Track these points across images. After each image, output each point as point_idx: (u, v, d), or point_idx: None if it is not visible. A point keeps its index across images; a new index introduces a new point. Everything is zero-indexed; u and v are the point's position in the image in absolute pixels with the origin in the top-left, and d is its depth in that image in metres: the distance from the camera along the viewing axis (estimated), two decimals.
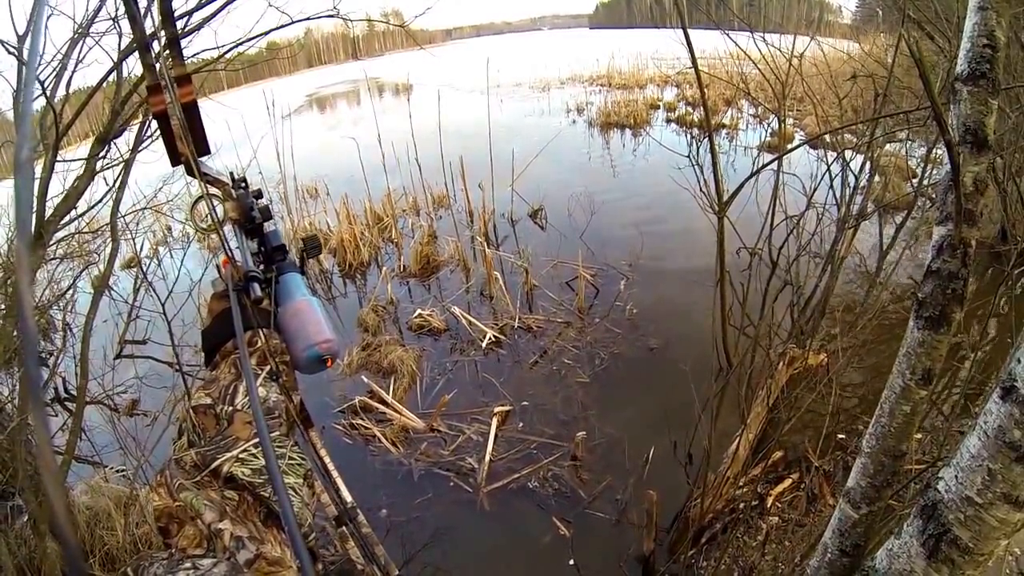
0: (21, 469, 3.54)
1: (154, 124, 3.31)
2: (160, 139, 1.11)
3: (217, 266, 1.24)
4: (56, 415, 5.71)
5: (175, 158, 1.12)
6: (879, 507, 2.24)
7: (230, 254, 1.18)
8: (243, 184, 1.32)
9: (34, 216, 3.52)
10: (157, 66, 1.05)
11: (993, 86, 1.84)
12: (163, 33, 1.12)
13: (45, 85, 3.54)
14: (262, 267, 1.25)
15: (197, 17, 3.69)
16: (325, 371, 1.19)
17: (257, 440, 0.94)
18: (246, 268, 1.14)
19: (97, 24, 3.65)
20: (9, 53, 3.44)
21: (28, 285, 0.56)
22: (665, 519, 4.18)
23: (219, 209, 1.22)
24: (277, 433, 1.00)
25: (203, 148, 1.14)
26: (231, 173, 1.32)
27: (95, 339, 4.40)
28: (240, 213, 1.26)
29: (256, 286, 1.11)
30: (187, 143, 1.10)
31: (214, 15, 3.71)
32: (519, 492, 4.70)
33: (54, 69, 3.63)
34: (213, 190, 1.24)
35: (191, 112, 1.09)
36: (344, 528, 1.56)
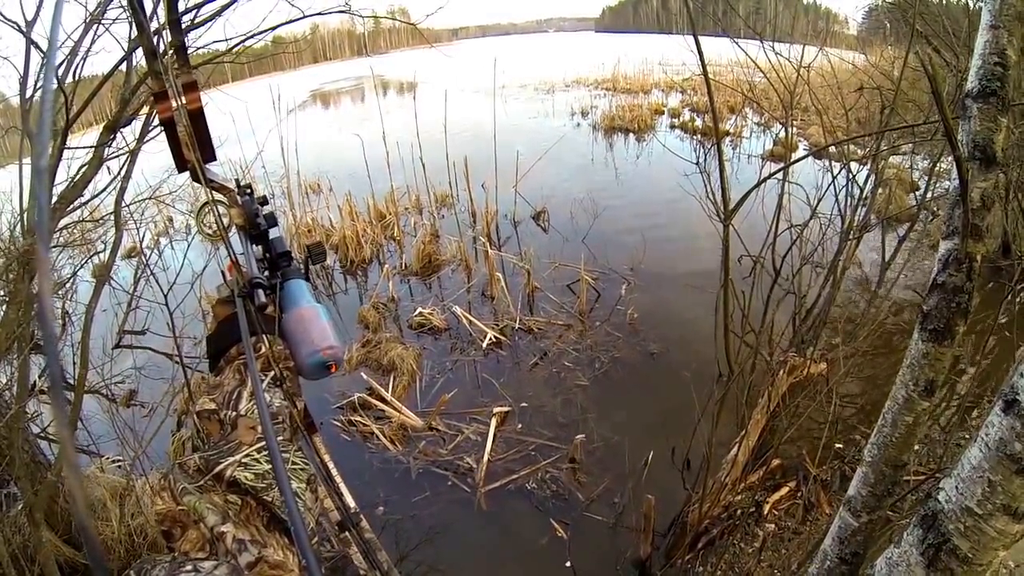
0: (18, 457, 3.53)
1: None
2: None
3: (223, 271, 1.24)
4: None
5: (182, 164, 1.12)
6: (879, 516, 2.26)
7: (235, 260, 1.18)
8: (248, 190, 1.32)
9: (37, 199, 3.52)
10: (164, 70, 1.06)
11: (1003, 103, 1.85)
12: (170, 40, 1.12)
13: (56, 69, 3.55)
14: (267, 273, 1.26)
15: (207, 10, 3.70)
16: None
17: (260, 445, 0.95)
18: (251, 274, 1.14)
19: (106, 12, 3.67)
20: (21, 33, 3.44)
21: (48, 287, 0.57)
22: (662, 524, 4.19)
23: (224, 215, 1.23)
24: (281, 438, 1.01)
25: (209, 155, 1.14)
26: (236, 180, 1.32)
27: (94, 328, 4.39)
28: (245, 219, 1.27)
29: (260, 292, 1.11)
30: (193, 150, 1.10)
31: (223, 10, 3.72)
32: (517, 493, 4.71)
33: (65, 55, 3.63)
34: (219, 196, 1.24)
35: (197, 119, 1.10)
36: (347, 533, 1.56)
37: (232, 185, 1.29)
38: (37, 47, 3.51)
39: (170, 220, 11.30)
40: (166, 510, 0.88)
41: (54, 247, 4.93)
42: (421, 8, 4.58)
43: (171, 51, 1.12)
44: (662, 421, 5.12)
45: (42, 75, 3.56)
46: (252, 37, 4.12)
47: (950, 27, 5.60)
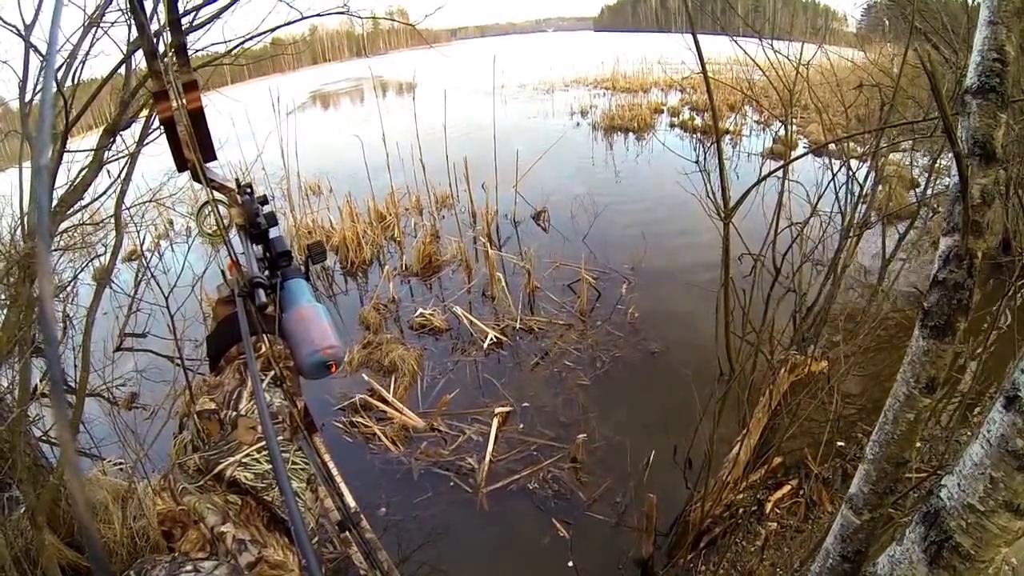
0: (20, 460, 3.53)
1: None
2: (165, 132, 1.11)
3: (223, 271, 1.24)
4: None
5: (182, 164, 1.12)
6: (881, 514, 2.26)
7: (235, 259, 1.18)
8: (249, 190, 1.32)
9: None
10: (164, 70, 1.05)
11: (1002, 100, 1.85)
12: (170, 40, 1.12)
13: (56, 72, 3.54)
14: (267, 273, 1.26)
15: (205, 12, 3.70)
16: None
17: (260, 445, 0.95)
18: (251, 274, 1.14)
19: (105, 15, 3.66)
20: (19, 36, 3.44)
21: (49, 290, 0.57)
22: (664, 523, 4.19)
23: (225, 214, 1.22)
24: (281, 438, 1.01)
25: (209, 154, 1.14)
26: (237, 179, 1.32)
27: (94, 331, 4.40)
28: (246, 219, 1.27)
29: (261, 292, 1.11)
30: (194, 149, 1.10)
31: (222, 11, 3.72)
32: (519, 493, 4.71)
33: (64, 58, 3.63)
34: (219, 196, 1.24)
35: (198, 118, 1.09)
36: (347, 533, 1.56)
37: (232, 185, 1.29)
38: (36, 50, 3.51)
39: (170, 223, 11.32)
40: (167, 510, 0.88)
41: (54, 251, 4.93)
42: (419, 9, 4.57)
43: (171, 51, 1.12)
44: (663, 420, 5.12)
45: (41, 77, 3.56)
46: (251, 39, 4.12)
47: (949, 23, 5.59)
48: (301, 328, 1.17)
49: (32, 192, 3.62)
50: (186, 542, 0.84)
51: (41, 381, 4.84)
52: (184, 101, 1.08)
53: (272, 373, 1.12)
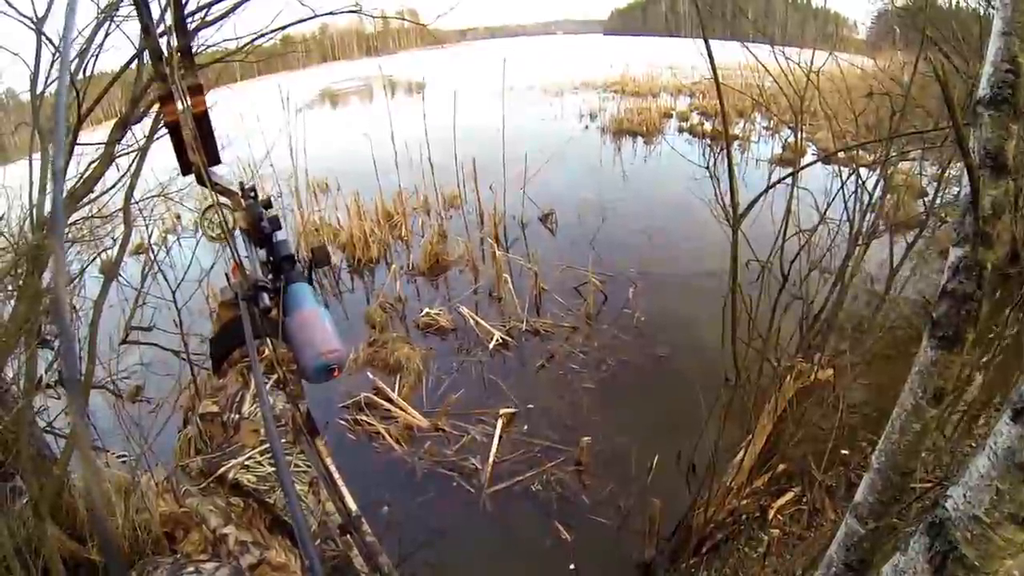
0: (24, 451, 3.54)
1: None
2: None
3: (226, 274, 1.25)
4: (59, 398, 5.73)
5: (186, 167, 1.12)
6: (886, 523, 2.25)
7: (239, 263, 1.19)
8: (253, 194, 1.33)
9: (49, 198, 3.54)
10: (170, 73, 1.06)
11: (1014, 111, 1.84)
12: (176, 43, 1.12)
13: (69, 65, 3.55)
14: (271, 276, 1.27)
15: (217, 9, 3.71)
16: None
17: (263, 448, 0.96)
18: (255, 277, 1.15)
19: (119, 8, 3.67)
20: (32, 29, 3.45)
21: (63, 282, 0.57)
22: (667, 527, 4.18)
23: (229, 218, 1.23)
24: (283, 441, 1.01)
25: (214, 158, 1.14)
26: (241, 183, 1.33)
27: (100, 324, 4.42)
28: (250, 223, 1.27)
29: (265, 295, 1.12)
30: (198, 153, 1.10)
31: (234, 9, 3.72)
32: (522, 495, 4.71)
33: (77, 51, 3.64)
34: (223, 199, 1.25)
35: (203, 122, 1.10)
36: (348, 537, 1.57)
37: (236, 188, 1.30)
38: (49, 42, 3.53)
39: (178, 217, 11.35)
40: (169, 512, 0.88)
41: (63, 243, 4.94)
42: (430, 9, 4.58)
43: (176, 54, 1.12)
44: (668, 424, 5.11)
45: (54, 70, 3.58)
46: (262, 36, 4.13)
47: (960, 33, 5.56)
48: (304, 332, 1.17)
49: (42, 184, 3.63)
50: (188, 544, 0.85)
51: (46, 372, 4.87)
52: (189, 104, 1.08)
53: (275, 376, 1.12)
